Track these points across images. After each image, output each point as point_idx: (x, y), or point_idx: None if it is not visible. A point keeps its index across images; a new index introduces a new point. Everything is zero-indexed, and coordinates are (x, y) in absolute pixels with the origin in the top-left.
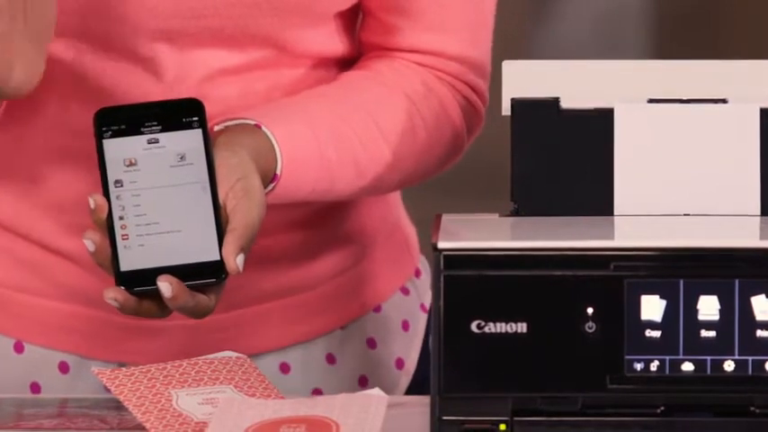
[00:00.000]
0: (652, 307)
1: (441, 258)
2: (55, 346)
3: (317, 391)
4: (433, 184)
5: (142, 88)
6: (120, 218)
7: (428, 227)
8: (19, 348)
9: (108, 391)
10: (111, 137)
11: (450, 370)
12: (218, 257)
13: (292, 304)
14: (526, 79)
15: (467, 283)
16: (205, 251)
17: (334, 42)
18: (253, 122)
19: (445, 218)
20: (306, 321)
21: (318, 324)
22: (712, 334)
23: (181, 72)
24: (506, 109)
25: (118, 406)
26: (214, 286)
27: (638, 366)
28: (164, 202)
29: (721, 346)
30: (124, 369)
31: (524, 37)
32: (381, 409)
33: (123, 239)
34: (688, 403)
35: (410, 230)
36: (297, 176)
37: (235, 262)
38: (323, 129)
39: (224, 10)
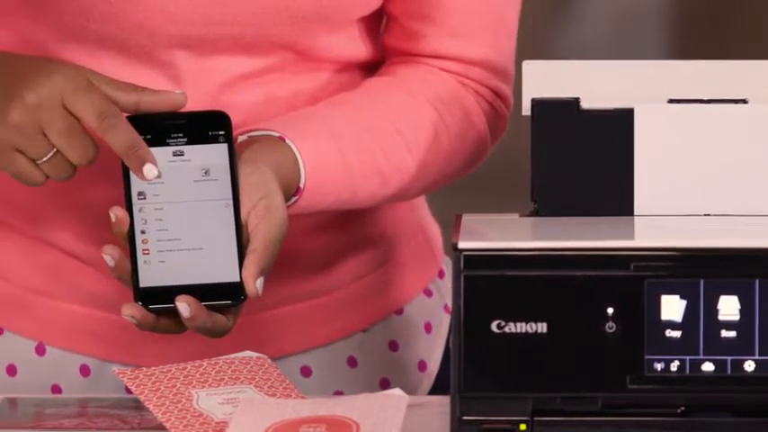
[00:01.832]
0: (672, 307)
1: (461, 258)
2: (76, 349)
3: (339, 395)
4: (454, 185)
5: None
6: (142, 232)
7: (450, 227)
8: (41, 351)
9: (128, 391)
10: None
11: (471, 370)
12: (237, 279)
13: (313, 307)
14: (546, 80)
15: (487, 284)
16: (225, 271)
17: (356, 47)
18: (276, 134)
19: (465, 218)
20: (327, 325)
21: (340, 327)
22: (732, 334)
23: (200, 78)
24: (527, 109)
25: (138, 406)
26: (232, 308)
27: (659, 366)
28: (186, 218)
29: (741, 346)
30: (145, 369)
31: (544, 37)
32: (401, 408)
33: (144, 254)
34: (708, 403)
35: (434, 231)
36: (320, 189)
37: (254, 285)
38: (346, 140)
39: (243, 17)
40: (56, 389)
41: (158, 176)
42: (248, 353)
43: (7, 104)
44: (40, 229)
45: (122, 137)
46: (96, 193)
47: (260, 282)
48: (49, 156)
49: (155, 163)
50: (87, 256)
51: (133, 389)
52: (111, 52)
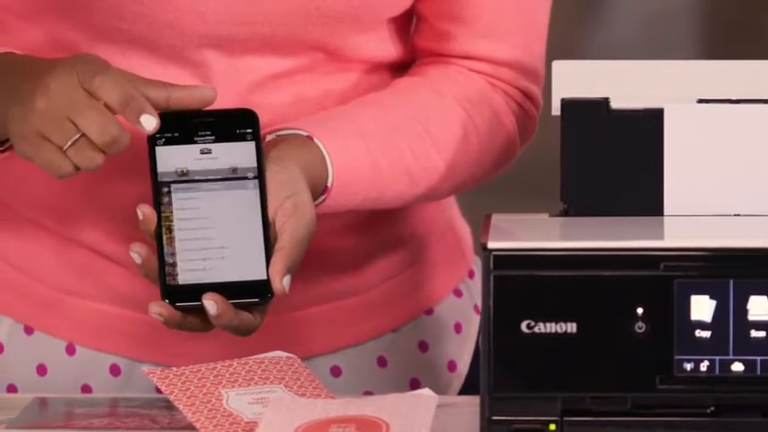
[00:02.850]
0: (702, 307)
1: (490, 258)
2: (106, 348)
3: (368, 395)
4: (483, 185)
5: None
6: (169, 230)
7: (479, 227)
8: (71, 351)
9: (158, 391)
10: (165, 144)
11: (500, 370)
12: (264, 277)
13: (343, 308)
14: (576, 79)
15: (517, 284)
16: (252, 269)
17: (386, 47)
18: (305, 134)
19: (495, 218)
20: (357, 325)
21: (369, 327)
22: (762, 334)
23: (230, 77)
24: (556, 109)
25: (168, 405)
26: (259, 305)
27: (688, 366)
28: (213, 216)
29: None
30: (175, 369)
31: (574, 37)
32: (431, 408)
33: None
34: (738, 403)
35: (464, 231)
36: (348, 188)
37: (281, 283)
38: (375, 140)
39: (274, 17)
40: (86, 389)
41: (157, 127)
42: (278, 353)
43: (33, 91)
44: (70, 229)
45: (114, 92)
46: (126, 191)
47: (287, 279)
48: (74, 138)
49: (152, 113)
50: (117, 255)
51: (163, 388)
52: (141, 52)
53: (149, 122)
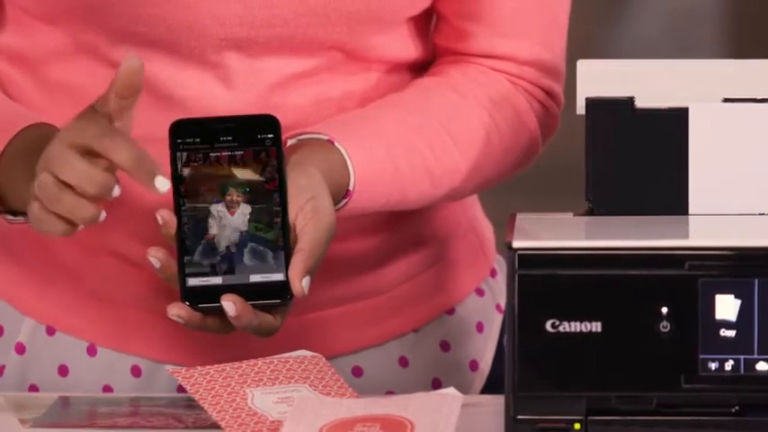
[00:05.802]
0: (726, 306)
1: (515, 258)
2: (128, 350)
3: (390, 395)
4: (508, 184)
5: (212, 95)
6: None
7: (503, 226)
8: (92, 351)
9: (183, 390)
10: (185, 150)
11: (525, 369)
12: (284, 278)
13: (365, 308)
14: (601, 79)
15: (541, 283)
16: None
17: (406, 47)
18: (325, 137)
19: (520, 217)
20: (378, 325)
21: (391, 327)
22: None
23: (250, 79)
24: (581, 108)
25: (191, 405)
26: (279, 307)
27: (713, 366)
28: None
29: None
30: (199, 368)
31: (599, 36)
32: (456, 407)
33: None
34: (763, 403)
35: (486, 230)
36: (369, 192)
37: (300, 285)
38: (396, 142)
39: (293, 19)
40: (107, 389)
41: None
42: (303, 352)
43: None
44: (92, 232)
45: (125, 153)
46: (148, 195)
47: (306, 281)
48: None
49: (165, 174)
50: (139, 258)
51: (188, 388)
52: (161, 54)
53: (163, 185)
